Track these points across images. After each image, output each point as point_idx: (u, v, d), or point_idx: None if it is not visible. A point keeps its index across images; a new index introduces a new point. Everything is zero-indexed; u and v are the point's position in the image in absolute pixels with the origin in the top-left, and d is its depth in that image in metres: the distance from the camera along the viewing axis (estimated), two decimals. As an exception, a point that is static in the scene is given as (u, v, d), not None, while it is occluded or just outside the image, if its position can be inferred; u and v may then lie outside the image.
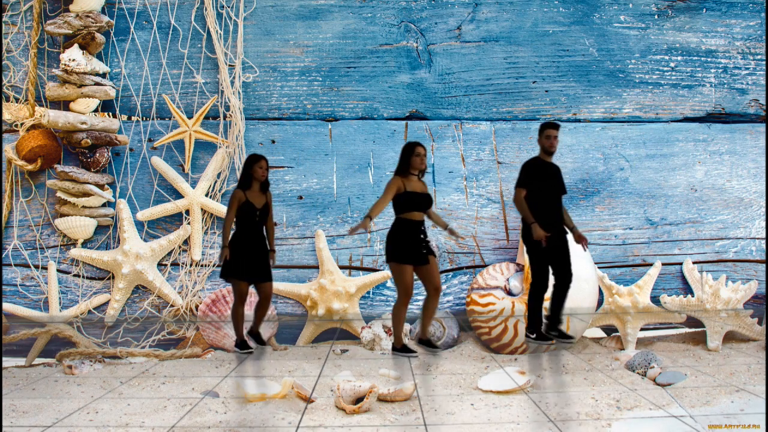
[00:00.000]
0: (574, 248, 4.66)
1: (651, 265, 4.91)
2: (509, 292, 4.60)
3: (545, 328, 4.14)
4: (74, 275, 4.79)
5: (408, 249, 3.99)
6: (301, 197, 4.95)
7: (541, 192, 4.06)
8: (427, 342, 4.19)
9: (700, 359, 4.31)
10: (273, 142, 4.98)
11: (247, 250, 4.18)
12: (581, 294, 4.47)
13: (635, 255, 5.02)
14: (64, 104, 4.73)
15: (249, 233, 4.20)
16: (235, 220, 4.20)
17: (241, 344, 4.30)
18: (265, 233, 4.30)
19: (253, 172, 4.17)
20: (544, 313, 4.17)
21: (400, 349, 4.14)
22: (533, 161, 4.16)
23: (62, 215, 4.71)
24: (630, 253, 5.02)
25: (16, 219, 4.79)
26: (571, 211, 5.00)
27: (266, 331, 4.74)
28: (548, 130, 4.09)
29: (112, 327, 4.74)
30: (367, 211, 4.12)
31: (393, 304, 4.89)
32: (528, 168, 4.13)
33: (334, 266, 4.81)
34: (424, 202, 4.06)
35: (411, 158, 4.05)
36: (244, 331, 4.33)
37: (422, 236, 4.04)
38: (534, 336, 4.14)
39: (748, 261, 5.05)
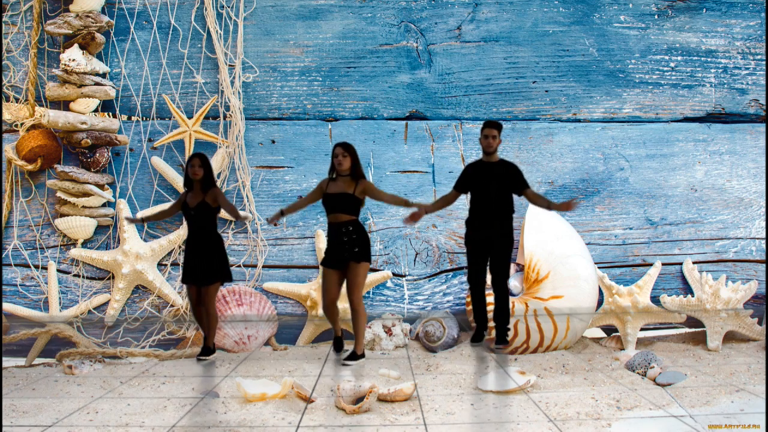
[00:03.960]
0: (574, 246, 4.67)
1: (651, 265, 4.91)
2: (509, 292, 4.60)
3: (495, 342, 4.24)
4: (74, 275, 4.79)
5: (329, 252, 4.16)
6: (301, 197, 4.95)
7: (479, 193, 4.13)
8: (350, 356, 4.18)
9: (700, 359, 4.31)
10: (273, 142, 4.98)
11: (188, 253, 4.32)
12: (581, 294, 4.47)
13: (635, 255, 5.01)
14: (64, 104, 4.73)
15: (190, 235, 4.32)
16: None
17: (202, 351, 4.37)
18: (217, 236, 4.36)
19: (188, 173, 4.27)
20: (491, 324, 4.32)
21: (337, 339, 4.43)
22: (472, 163, 4.26)
23: (62, 215, 4.71)
24: (630, 253, 5.02)
25: (16, 219, 4.79)
26: (572, 211, 4.99)
27: (266, 331, 4.75)
28: (486, 129, 4.11)
29: (112, 327, 4.74)
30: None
31: (392, 303, 4.91)
32: (464, 171, 4.26)
33: (334, 266, 4.81)
34: (337, 202, 4.11)
35: (332, 160, 4.19)
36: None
37: (345, 239, 4.08)
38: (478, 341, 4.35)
39: (748, 261, 5.05)
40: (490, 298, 4.33)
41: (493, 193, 4.09)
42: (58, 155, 4.75)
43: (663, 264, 4.93)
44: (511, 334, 4.29)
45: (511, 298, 4.52)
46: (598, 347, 4.71)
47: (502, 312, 4.18)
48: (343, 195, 4.10)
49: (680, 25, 5.11)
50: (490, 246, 4.11)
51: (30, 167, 4.66)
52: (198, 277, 4.24)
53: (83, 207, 4.68)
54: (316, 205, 4.92)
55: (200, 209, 4.23)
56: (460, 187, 4.23)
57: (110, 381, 3.83)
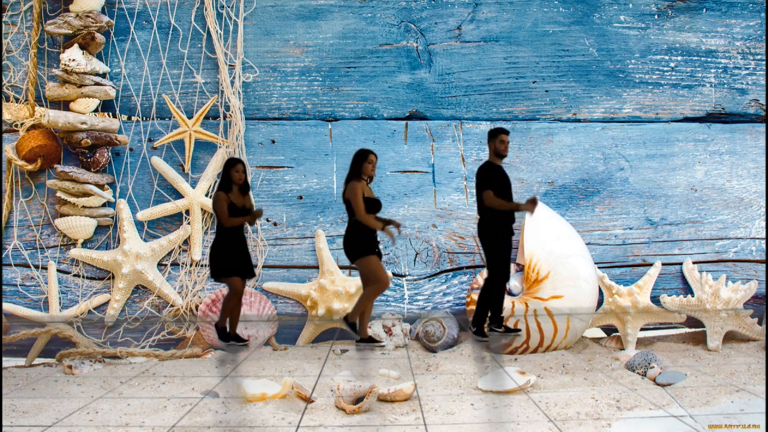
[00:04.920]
0: (574, 246, 4.67)
1: (651, 265, 4.91)
2: (509, 292, 4.60)
3: (489, 324, 4.23)
4: (74, 275, 4.79)
5: (373, 244, 4.16)
6: (301, 197, 4.95)
7: (503, 196, 4.16)
8: (352, 325, 4.25)
9: (700, 359, 4.31)
10: (273, 142, 4.98)
11: (240, 249, 4.30)
12: (581, 294, 4.47)
13: (635, 255, 5.02)
14: (64, 104, 4.73)
15: (235, 234, 4.31)
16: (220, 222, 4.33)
17: (234, 337, 4.41)
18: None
19: (231, 177, 4.26)
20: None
21: (367, 340, 4.27)
22: (491, 166, 4.26)
23: (62, 215, 4.71)
24: (630, 253, 5.02)
25: (16, 219, 4.79)
26: (571, 211, 5.02)
27: (266, 331, 4.75)
28: (502, 135, 4.24)
29: (112, 327, 4.74)
30: (367, 222, 4.12)
31: (392, 303, 4.91)
32: (490, 172, 4.24)
33: (334, 266, 4.81)
34: (376, 206, 4.23)
35: (363, 165, 4.18)
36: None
37: (377, 237, 4.20)
38: (493, 330, 4.29)
39: (748, 261, 5.05)
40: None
41: (510, 196, 4.20)
42: (58, 155, 4.76)
43: (663, 264, 4.93)
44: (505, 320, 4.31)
45: (511, 298, 4.53)
46: (598, 347, 4.71)
47: (502, 296, 4.23)
48: (378, 200, 4.26)
49: (680, 25, 5.11)
50: (510, 246, 4.19)
51: (30, 167, 4.66)
52: (251, 270, 4.38)
53: (83, 207, 4.68)
54: (317, 205, 4.95)
55: (246, 212, 4.34)
56: (493, 186, 4.16)
57: (110, 381, 3.83)
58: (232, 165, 4.29)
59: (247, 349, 4.56)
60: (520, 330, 4.32)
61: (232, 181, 4.26)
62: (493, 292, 4.21)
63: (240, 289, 4.32)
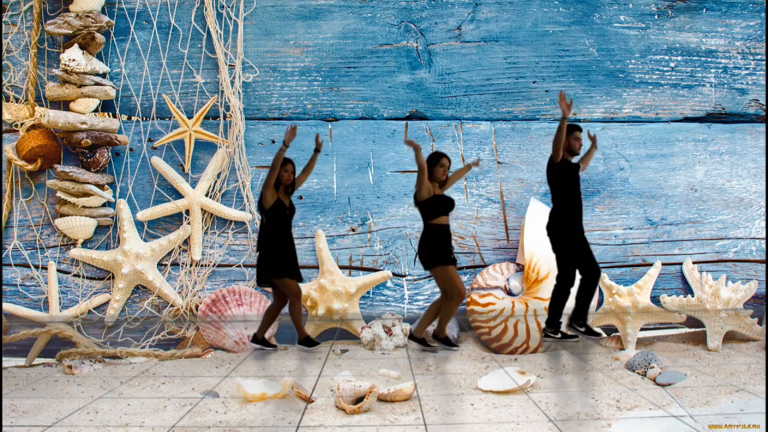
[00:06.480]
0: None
1: (651, 265, 4.91)
2: (509, 292, 4.61)
3: (570, 323, 4.10)
4: (74, 275, 4.79)
5: (447, 251, 4.23)
6: (301, 197, 4.95)
7: (576, 192, 4.08)
8: (445, 339, 4.38)
9: (700, 359, 4.31)
10: (273, 142, 4.98)
11: (287, 249, 4.31)
12: (581, 294, 4.46)
13: (635, 255, 5.01)
14: (64, 104, 4.73)
15: (283, 233, 4.31)
16: (267, 220, 4.28)
17: (306, 340, 4.43)
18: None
19: (279, 176, 4.28)
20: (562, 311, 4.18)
21: (443, 340, 4.38)
22: (563, 160, 4.12)
23: (62, 215, 4.71)
24: (630, 253, 5.02)
25: (16, 219, 4.79)
26: (571, 211, 5.00)
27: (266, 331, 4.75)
28: (577, 132, 4.15)
29: (112, 327, 4.74)
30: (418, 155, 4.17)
31: (392, 303, 4.91)
32: (565, 167, 4.12)
33: (334, 266, 4.81)
34: (450, 206, 4.29)
35: (435, 169, 4.28)
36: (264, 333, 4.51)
37: (450, 239, 4.28)
38: (559, 335, 4.13)
39: (748, 261, 5.05)
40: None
41: (578, 192, 4.12)
42: (58, 155, 4.76)
43: (663, 264, 4.93)
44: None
45: (510, 298, 4.53)
46: (598, 347, 4.71)
47: (591, 294, 4.08)
48: (451, 199, 4.31)
49: (680, 25, 5.11)
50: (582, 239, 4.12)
51: (30, 167, 4.66)
52: (299, 273, 4.36)
53: (83, 207, 4.68)
54: (316, 205, 4.95)
55: (293, 211, 4.40)
56: (562, 181, 4.10)
57: (110, 381, 3.83)
58: (282, 164, 4.26)
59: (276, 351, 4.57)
60: (600, 334, 4.16)
61: (280, 181, 4.27)
62: (589, 289, 4.06)
63: (294, 289, 4.30)
